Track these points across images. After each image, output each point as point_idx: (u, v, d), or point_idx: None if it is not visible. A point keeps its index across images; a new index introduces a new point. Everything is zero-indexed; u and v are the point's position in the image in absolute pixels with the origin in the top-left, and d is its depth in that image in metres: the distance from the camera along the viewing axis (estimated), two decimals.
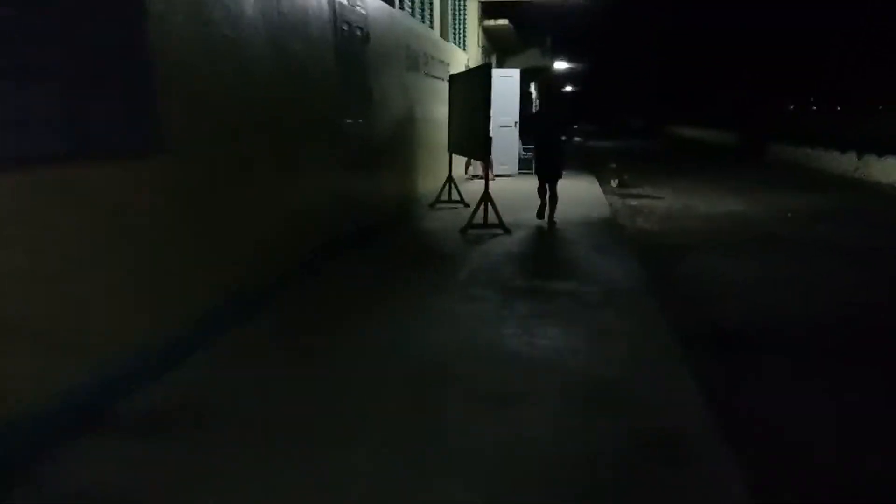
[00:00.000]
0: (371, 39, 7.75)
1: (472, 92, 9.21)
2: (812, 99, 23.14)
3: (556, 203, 9.59)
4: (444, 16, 13.27)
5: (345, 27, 6.93)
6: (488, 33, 18.88)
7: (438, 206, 11.08)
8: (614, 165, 17.00)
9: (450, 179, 11.14)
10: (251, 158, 5.10)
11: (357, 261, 7.03)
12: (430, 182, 11.25)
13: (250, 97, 5.03)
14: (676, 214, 11.95)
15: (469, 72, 9.81)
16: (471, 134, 9.31)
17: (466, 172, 15.66)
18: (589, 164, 21.17)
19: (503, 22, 17.80)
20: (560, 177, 9.55)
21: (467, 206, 11.19)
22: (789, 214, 11.93)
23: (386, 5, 8.46)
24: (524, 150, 17.77)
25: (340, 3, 6.70)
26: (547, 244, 8.10)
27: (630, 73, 67.61)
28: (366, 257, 7.23)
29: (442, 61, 12.28)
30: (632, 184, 16.41)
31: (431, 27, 12.43)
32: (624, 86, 71.92)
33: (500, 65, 22.22)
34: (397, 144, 9.29)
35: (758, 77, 29.03)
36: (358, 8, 7.34)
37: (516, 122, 16.41)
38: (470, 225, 8.67)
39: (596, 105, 78.25)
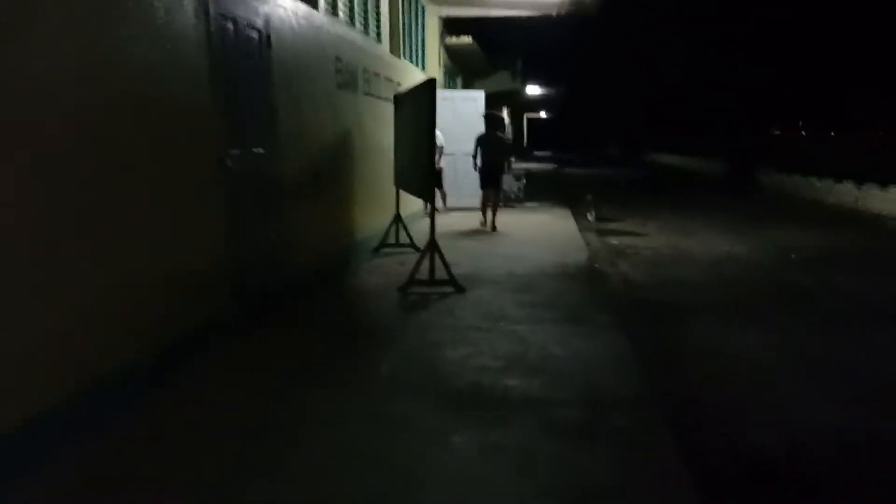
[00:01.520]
0: (275, 45, 5.93)
1: (415, 115, 7.42)
2: (801, 123, 21.76)
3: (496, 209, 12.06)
4: (395, 29, 11.52)
5: (227, 25, 5.10)
6: (452, 53, 17.22)
7: (384, 251, 9.22)
8: (590, 197, 15.33)
9: (397, 219, 9.30)
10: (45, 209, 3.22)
11: (235, 356, 4.90)
12: (376, 221, 9.40)
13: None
14: (666, 258, 10.20)
15: (412, 90, 8.05)
16: (413, 166, 7.51)
17: (426, 207, 13.84)
18: (563, 195, 19.50)
19: (467, 40, 16.17)
20: (500, 188, 12.23)
21: (418, 250, 9.33)
22: (793, 256, 10.24)
23: (302, 4, 6.66)
24: None
25: None
26: (508, 310, 6.25)
27: (606, 98, 66.68)
28: (253, 345, 5.15)
29: (391, 80, 10.50)
30: (611, 217, 14.71)
31: (379, 41, 10.67)
32: (600, 112, 70.99)
33: (469, 88, 20.56)
34: (325, 179, 7.45)
35: (742, 100, 27.71)
36: (253, 1, 5.53)
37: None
38: (411, 282, 6.81)
39: (571, 132, 77.38)
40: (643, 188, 25.32)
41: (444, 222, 12.82)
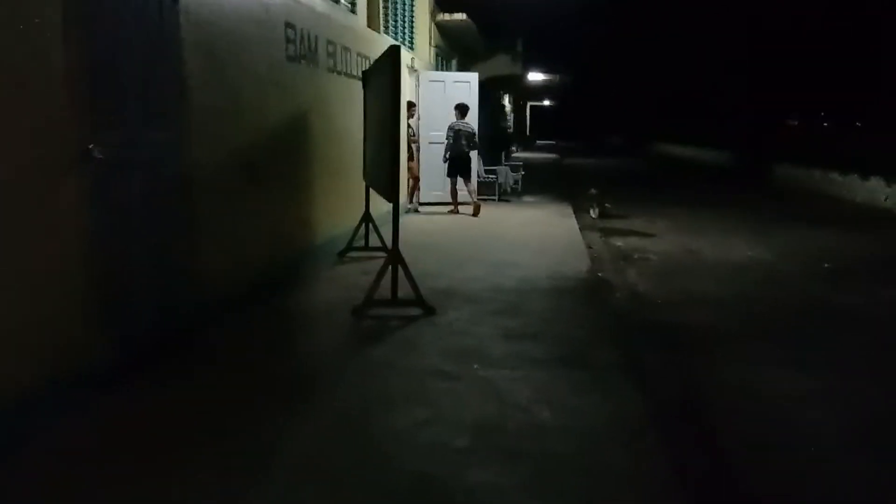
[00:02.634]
0: (187, 0, 4.55)
1: (378, 95, 6.07)
2: (822, 114, 20.26)
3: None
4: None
5: None
6: (445, 31, 15.77)
7: (350, 255, 7.86)
8: (594, 191, 13.95)
9: (366, 218, 7.93)
10: None
11: (82, 429, 3.44)
12: (346, 219, 8.04)
13: None
14: (678, 264, 8.83)
15: (375, 63, 6.68)
16: (376, 157, 6.15)
17: (411, 201, 12.48)
18: (565, 187, 18.10)
19: (461, 17, 14.71)
20: (467, 177, 12.38)
21: None
22: (827, 265, 8.85)
23: None
24: (486, 171, 14.68)
25: None
26: (486, 344, 4.88)
27: (611, 86, 64.94)
28: (115, 409, 3.67)
29: (367, 57, 9.10)
30: (616, 213, 13.33)
31: (353, 12, 9.27)
32: (605, 100, 69.33)
33: (464, 71, 19.06)
34: (267, 171, 6.09)
35: (756, 88, 26.11)
36: None
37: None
38: (369, 302, 5.43)
39: (575, 121, 75.74)
40: (649, 180, 23.90)
41: (430, 219, 11.47)
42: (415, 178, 12.47)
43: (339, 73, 7.96)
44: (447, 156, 12.17)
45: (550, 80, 35.97)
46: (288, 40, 6.42)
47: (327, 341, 4.86)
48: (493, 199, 14.27)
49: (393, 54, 5.23)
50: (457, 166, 12.21)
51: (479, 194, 13.77)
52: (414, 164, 12.45)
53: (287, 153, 6.54)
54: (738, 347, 5.41)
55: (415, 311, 5.48)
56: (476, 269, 7.39)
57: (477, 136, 12.58)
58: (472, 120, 13.09)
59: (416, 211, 12.38)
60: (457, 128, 12.16)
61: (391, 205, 5.41)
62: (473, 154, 12.69)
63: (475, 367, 4.35)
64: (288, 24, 6.40)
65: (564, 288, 6.71)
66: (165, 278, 4.45)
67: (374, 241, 7.90)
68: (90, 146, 3.66)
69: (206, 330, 4.85)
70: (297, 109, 6.75)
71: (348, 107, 8.09)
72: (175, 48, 4.49)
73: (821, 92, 21.59)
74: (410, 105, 12.18)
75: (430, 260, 7.87)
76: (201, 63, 4.84)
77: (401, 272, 5.56)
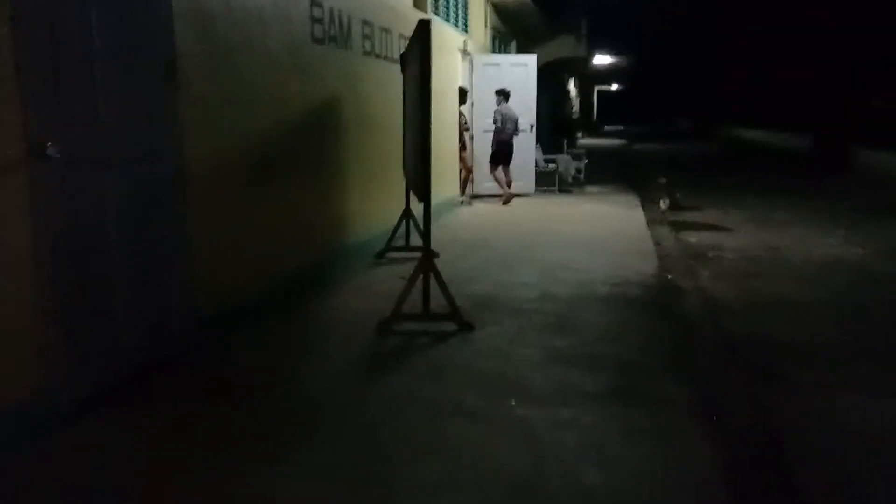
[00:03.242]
0: None
1: (411, 80, 5.36)
2: None
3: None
4: None
5: None
6: (502, 12, 14.93)
7: (389, 256, 7.19)
8: (663, 180, 12.96)
9: (407, 216, 7.24)
10: None
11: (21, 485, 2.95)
12: (387, 216, 7.37)
13: None
14: (759, 264, 7.84)
15: (409, 43, 5.98)
16: (411, 151, 5.45)
17: (463, 193, 11.74)
18: (632, 176, 17.05)
19: None
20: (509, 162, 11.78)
21: (435, 254, 7.28)
22: None
23: None
24: (545, 160, 13.83)
25: None
26: (527, 371, 4.12)
27: (681, 68, 62.48)
28: (67, 457, 3.11)
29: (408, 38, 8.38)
30: (687, 204, 12.29)
31: None
32: (674, 83, 66.88)
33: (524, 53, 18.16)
34: (287, 164, 5.46)
35: (836, 64, 24.22)
36: None
37: (533, 126, 12.46)
38: (397, 315, 4.74)
39: (643, 105, 73.55)
40: (721, 167, 22.50)
41: (483, 213, 10.72)
42: (467, 170, 11.74)
43: (377, 56, 7.28)
44: (497, 141, 11.59)
45: (617, 63, 34.65)
46: (314, 20, 5.76)
47: (342, 364, 4.19)
48: (553, 191, 13.40)
49: (422, 30, 4.50)
50: (504, 153, 11.66)
51: (538, 185, 13.00)
52: (466, 154, 11.72)
53: (313, 147, 5.89)
54: (835, 371, 4.49)
55: (448, 327, 4.75)
56: (526, 272, 6.62)
57: (519, 122, 11.92)
58: (530, 105, 12.31)
59: (469, 204, 11.64)
60: (504, 112, 11.57)
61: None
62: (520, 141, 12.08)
63: (512, 403, 3.60)
64: (314, 2, 5.74)
65: (627, 295, 5.88)
66: (156, 294, 3.86)
67: (416, 239, 7.20)
68: (46, 143, 3.06)
69: (206, 350, 4.25)
70: (325, 97, 6.10)
71: (388, 94, 7.40)
72: (163, 27, 3.87)
73: None
74: (463, 91, 11.44)
75: (476, 260, 7.14)
76: (199, 45, 4.22)
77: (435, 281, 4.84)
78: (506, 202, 11.57)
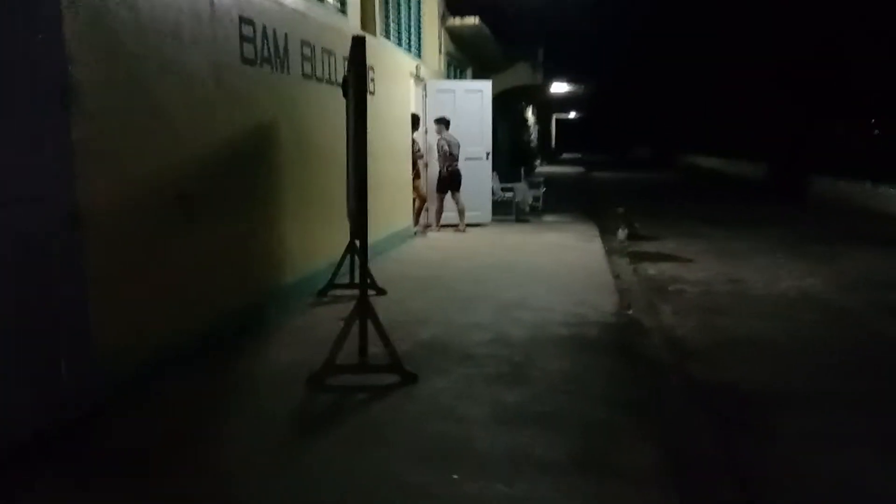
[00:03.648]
0: None
1: (348, 106, 4.90)
2: (873, 120, 18.54)
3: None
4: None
5: None
6: (457, 38, 14.62)
7: (333, 294, 6.67)
8: (621, 210, 12.67)
9: (351, 249, 6.73)
10: None
11: None
12: (330, 250, 6.84)
13: None
14: (720, 298, 7.51)
15: (347, 65, 5.53)
16: (349, 181, 4.97)
17: (416, 223, 11.27)
18: (590, 204, 16.80)
19: (473, 21, 13.54)
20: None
21: (382, 292, 6.79)
22: None
23: None
24: (502, 189, 13.47)
25: None
26: (476, 433, 3.63)
27: (638, 96, 63.31)
28: None
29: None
30: (646, 234, 12.00)
31: (342, 11, 8.14)
32: (629, 111, 67.75)
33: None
34: (221, 202, 4.94)
35: (794, 93, 24.45)
36: None
37: (489, 154, 12.10)
38: (330, 367, 4.20)
39: (601, 133, 74.32)
40: (680, 196, 22.44)
41: (435, 246, 10.25)
42: (421, 199, 11.28)
43: (318, 80, 6.80)
44: (447, 168, 11.30)
45: (575, 91, 34.75)
46: (244, 38, 5.27)
47: (266, 429, 3.63)
48: (511, 219, 13.02)
49: (357, 48, 4.04)
50: (457, 181, 11.38)
51: (494, 214, 12.61)
52: (420, 182, 11.27)
53: (245, 179, 5.36)
54: (811, 419, 4.11)
55: (389, 379, 4.24)
56: (479, 312, 6.15)
57: (474, 150, 11.80)
58: (486, 132, 11.97)
59: (424, 234, 11.17)
60: (449, 139, 11.26)
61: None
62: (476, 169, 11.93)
63: (454, 476, 3.09)
64: (243, 20, 5.25)
65: (586, 337, 5.43)
66: (44, 356, 3.29)
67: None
68: None
69: (110, 414, 3.66)
70: (258, 124, 5.59)
71: (331, 120, 6.91)
72: (55, 50, 3.34)
73: (869, 94, 19.86)
74: (415, 118, 11.03)
75: (427, 299, 6.65)
76: (103, 69, 3.69)
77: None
78: (460, 230, 11.46)
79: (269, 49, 5.69)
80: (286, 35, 6.01)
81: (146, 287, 4.10)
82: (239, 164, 5.25)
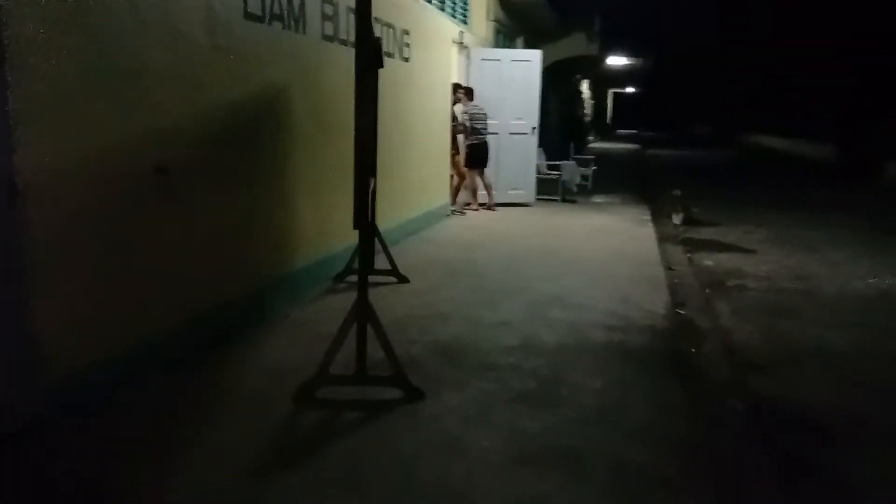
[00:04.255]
0: None
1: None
2: None
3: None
4: None
5: None
6: (508, 4, 13.74)
7: (350, 280, 6.05)
8: (677, 192, 11.76)
9: (370, 233, 6.07)
10: None
11: None
12: (350, 232, 6.18)
13: None
14: (787, 296, 6.67)
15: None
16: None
17: (454, 202, 10.57)
18: (643, 184, 15.86)
19: None
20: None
21: (404, 279, 6.16)
22: None
23: None
24: (548, 166, 12.66)
25: None
26: (483, 481, 2.96)
27: (699, 71, 60.95)
28: None
29: (391, 26, 7.25)
30: (703, 219, 11.09)
31: None
32: (689, 87, 65.41)
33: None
34: (216, 176, 4.35)
35: (865, 73, 22.82)
36: None
37: (535, 128, 11.29)
38: (322, 377, 3.56)
39: (659, 109, 72.15)
40: (740, 177, 21.20)
41: (471, 227, 9.55)
42: (460, 176, 10.57)
43: (342, 42, 6.12)
44: (472, 143, 10.48)
45: (633, 65, 33.42)
46: None
47: (235, 457, 3.02)
48: (556, 200, 12.22)
49: (361, 4, 3.34)
50: (481, 157, 10.58)
51: (540, 193, 11.84)
52: (460, 158, 10.56)
53: (245, 151, 4.74)
54: (890, 462, 3.34)
55: (391, 393, 3.60)
56: (510, 308, 5.45)
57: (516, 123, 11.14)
58: (533, 105, 11.18)
59: (462, 213, 10.47)
60: (472, 111, 10.45)
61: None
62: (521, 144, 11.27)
63: None
64: None
65: (630, 345, 4.70)
66: None
67: (382, 259, 6.06)
68: None
69: (51, 432, 3.10)
70: (264, 90, 4.94)
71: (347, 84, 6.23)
72: None
73: None
74: (456, 87, 10.29)
75: (453, 290, 5.98)
76: (53, 13, 3.08)
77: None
78: (489, 208, 10.85)
79: (279, 4, 5.02)
80: None
81: (108, 278, 3.52)
82: (239, 134, 4.63)
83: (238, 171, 4.64)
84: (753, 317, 5.97)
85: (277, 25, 5.02)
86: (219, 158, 4.41)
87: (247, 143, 4.73)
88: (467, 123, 10.35)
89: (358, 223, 3.40)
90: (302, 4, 5.35)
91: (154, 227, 3.82)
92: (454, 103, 10.23)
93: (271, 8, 4.91)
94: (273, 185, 5.12)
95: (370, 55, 3.26)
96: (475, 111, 10.44)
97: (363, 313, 3.48)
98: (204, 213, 4.26)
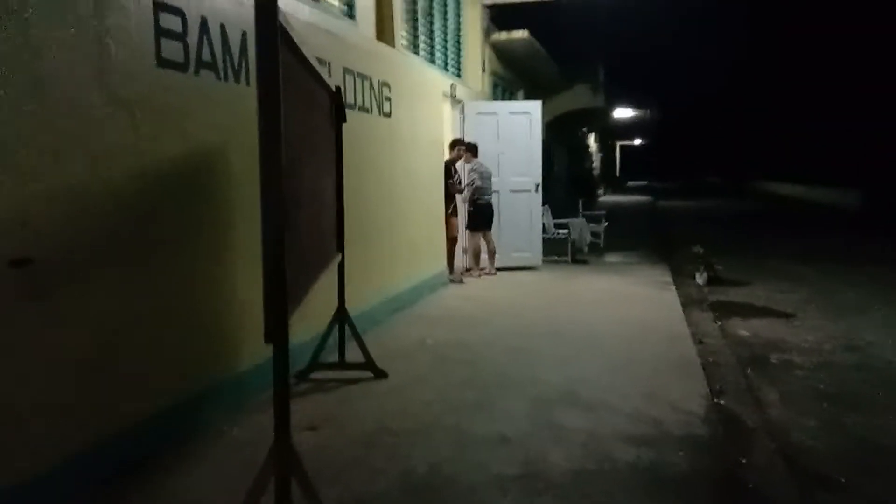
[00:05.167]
0: None
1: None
2: None
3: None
4: (385, 4, 7.39)
5: None
6: (505, 55, 12.98)
7: (315, 377, 4.99)
8: (699, 248, 10.73)
9: (339, 317, 5.05)
10: None
11: None
12: (316, 319, 5.16)
13: None
14: (846, 378, 5.54)
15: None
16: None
17: (452, 270, 9.54)
18: (659, 239, 14.82)
19: (522, 34, 11.88)
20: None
21: (381, 374, 5.09)
22: None
23: None
24: (556, 225, 11.67)
25: None
26: None
27: (704, 121, 60.53)
28: None
29: (365, 77, 6.37)
30: (729, 278, 10.00)
31: (349, 16, 6.63)
32: (696, 137, 64.97)
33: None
34: (116, 258, 3.36)
35: (883, 115, 22.00)
36: None
37: (538, 186, 10.34)
38: None
39: (668, 160, 71.78)
40: (760, 228, 20.10)
41: (471, 293, 8.51)
42: (451, 240, 9.48)
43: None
44: (475, 201, 9.64)
45: (640, 116, 32.82)
46: (162, 33, 3.69)
47: None
48: (566, 261, 11.17)
49: (262, 12, 2.38)
50: (487, 217, 9.78)
51: (547, 254, 10.84)
52: (457, 220, 9.58)
53: (158, 226, 3.75)
54: None
55: None
56: (508, 412, 4.36)
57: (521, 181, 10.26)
58: (535, 160, 10.27)
59: (461, 282, 9.42)
60: (479, 169, 9.62)
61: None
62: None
63: None
64: (160, 5, 3.68)
65: (662, 466, 3.58)
66: None
67: (354, 350, 5.02)
68: None
69: None
70: (190, 151, 3.98)
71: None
72: None
73: None
74: (456, 143, 9.40)
75: (438, 386, 4.90)
76: None
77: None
78: (489, 273, 9.83)
79: (211, 50, 4.10)
80: (244, 33, 4.42)
81: None
82: (149, 206, 3.65)
83: (150, 253, 3.64)
84: (809, 406, 4.85)
85: (209, 75, 4.09)
86: (115, 239, 3.41)
87: (163, 216, 3.74)
88: (476, 182, 9.42)
89: (271, 333, 2.35)
90: (242, 51, 4.43)
91: (10, 338, 2.80)
92: (454, 160, 9.33)
93: (198, 55, 3.98)
94: (204, 266, 4.12)
95: (273, 100, 2.28)
96: (483, 169, 9.55)
97: (284, 461, 2.41)
98: (91, 312, 3.24)
